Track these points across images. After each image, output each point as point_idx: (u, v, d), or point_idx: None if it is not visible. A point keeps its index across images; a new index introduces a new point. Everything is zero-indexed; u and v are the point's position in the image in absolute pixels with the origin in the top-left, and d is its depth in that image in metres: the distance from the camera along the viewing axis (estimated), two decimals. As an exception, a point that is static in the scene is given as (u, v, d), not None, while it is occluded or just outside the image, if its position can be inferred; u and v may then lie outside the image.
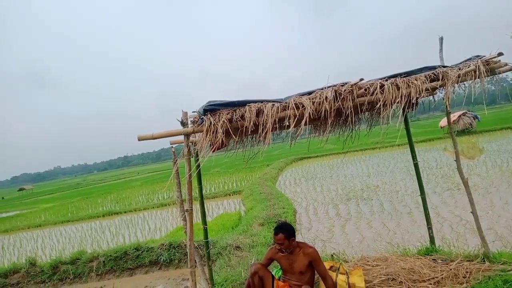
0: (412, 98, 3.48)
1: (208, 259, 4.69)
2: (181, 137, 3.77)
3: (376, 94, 3.44)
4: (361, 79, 3.51)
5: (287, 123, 3.58)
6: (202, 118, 3.57)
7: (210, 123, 3.47)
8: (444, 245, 4.94)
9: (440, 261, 4.11)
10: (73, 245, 10.27)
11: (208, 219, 9.73)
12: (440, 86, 3.59)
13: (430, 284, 3.65)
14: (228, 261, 5.84)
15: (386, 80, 3.54)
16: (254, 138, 4.51)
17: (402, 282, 3.71)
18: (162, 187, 22.20)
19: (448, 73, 3.57)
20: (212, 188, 17.75)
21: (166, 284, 6.33)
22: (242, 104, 3.60)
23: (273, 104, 3.54)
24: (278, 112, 3.50)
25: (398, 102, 3.43)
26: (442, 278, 3.71)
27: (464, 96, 3.72)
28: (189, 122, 3.66)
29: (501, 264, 3.74)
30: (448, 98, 3.54)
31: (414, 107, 4.32)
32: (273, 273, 3.87)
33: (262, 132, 3.47)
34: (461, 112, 24.82)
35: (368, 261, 4.37)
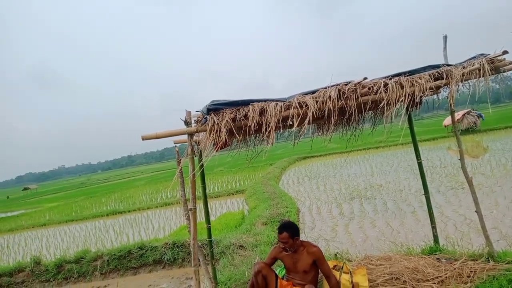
0: (416, 97, 3.47)
1: (212, 258, 4.70)
2: (185, 137, 3.78)
3: (380, 93, 3.43)
4: (365, 78, 3.50)
5: (291, 122, 3.59)
6: (206, 117, 3.57)
7: (214, 122, 3.48)
8: (448, 244, 4.93)
9: (444, 261, 4.09)
10: (77, 244, 10.32)
11: (212, 218, 9.75)
12: (444, 85, 3.58)
13: (434, 283, 3.63)
14: (232, 260, 5.85)
15: (390, 79, 3.53)
16: (257, 137, 4.52)
17: (406, 281, 3.70)
18: (165, 187, 22.25)
19: (452, 71, 3.55)
20: (215, 187, 17.77)
21: (170, 283, 6.36)
22: (246, 103, 3.60)
23: (277, 104, 3.54)
24: (281, 111, 3.50)
25: (402, 101, 3.42)
26: (446, 277, 3.69)
27: (468, 95, 3.71)
28: (192, 122, 3.67)
29: (505, 264, 3.73)
30: (452, 97, 3.53)
31: (418, 106, 4.30)
32: (277, 272, 3.88)
33: (266, 132, 3.47)
34: (465, 110, 24.71)
35: (371, 260, 4.36)
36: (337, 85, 3.53)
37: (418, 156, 4.63)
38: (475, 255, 4.08)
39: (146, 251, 7.24)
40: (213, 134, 3.47)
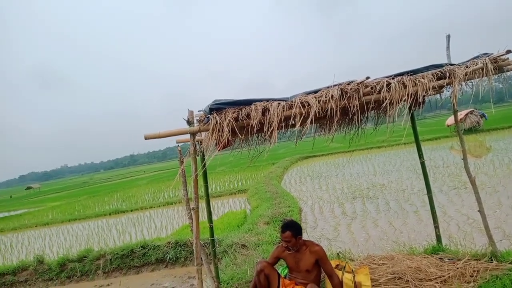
0: (419, 97, 3.46)
1: (214, 257, 4.71)
2: (187, 136, 3.78)
3: (383, 92, 3.42)
4: (367, 78, 3.50)
5: (293, 122, 3.58)
6: (208, 117, 3.58)
7: (216, 122, 3.48)
8: (451, 244, 4.92)
9: (447, 260, 4.08)
10: (80, 243, 10.36)
11: (214, 217, 9.76)
12: (447, 84, 3.57)
13: (437, 283, 3.63)
14: (234, 259, 5.86)
15: (393, 78, 3.53)
16: (259, 136, 4.52)
17: (408, 281, 3.69)
18: (168, 186, 22.29)
19: (455, 71, 3.54)
20: (218, 186, 17.79)
21: (172, 282, 6.37)
22: (248, 103, 3.60)
23: (279, 103, 3.54)
24: (283, 110, 3.49)
25: (404, 101, 3.41)
26: (449, 277, 3.69)
27: (471, 95, 3.70)
28: (195, 121, 3.68)
29: (509, 263, 3.71)
30: (455, 96, 3.52)
31: (421, 105, 4.29)
32: (279, 271, 3.88)
33: (268, 131, 3.47)
34: (468, 110, 24.63)
35: (374, 260, 4.36)
36: (340, 84, 3.52)
37: (421, 155, 4.62)
38: (478, 255, 4.07)
39: (148, 250, 7.26)
40: (215, 134, 3.47)
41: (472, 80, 3.62)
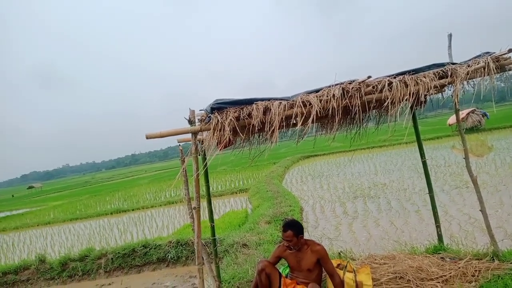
0: (421, 96, 3.45)
1: (216, 257, 4.71)
2: (189, 136, 3.78)
3: (384, 91, 3.42)
4: (369, 77, 3.49)
5: (294, 121, 3.58)
6: (210, 116, 3.57)
7: (218, 121, 3.48)
8: (452, 243, 4.91)
9: (449, 260, 4.08)
10: (81, 243, 10.38)
11: (215, 217, 9.77)
12: (449, 83, 3.56)
13: (438, 282, 3.62)
14: (235, 258, 5.86)
15: (394, 78, 3.52)
16: (261, 136, 4.52)
17: (410, 280, 3.69)
18: (169, 185, 22.32)
19: (457, 70, 3.53)
20: (219, 186, 17.80)
21: (173, 281, 6.38)
22: (249, 102, 3.60)
23: (280, 102, 3.53)
24: (285, 110, 3.49)
25: (406, 100, 3.40)
26: (451, 276, 3.68)
27: (473, 94, 3.68)
28: (196, 121, 3.68)
29: (510, 263, 3.71)
30: (457, 95, 3.51)
31: (422, 104, 4.28)
32: (280, 270, 3.88)
33: (269, 130, 3.47)
34: (470, 109, 24.58)
35: (375, 259, 4.35)
36: (341, 83, 3.52)
37: (422, 155, 4.62)
38: (479, 254, 4.06)
39: (150, 249, 7.27)
40: (216, 133, 3.47)
41: (474, 79, 3.61)
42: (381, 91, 3.45)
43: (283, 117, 3.49)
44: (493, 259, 3.86)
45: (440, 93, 4.04)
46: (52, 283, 7.38)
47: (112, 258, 7.33)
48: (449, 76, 3.53)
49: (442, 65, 3.68)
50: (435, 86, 3.47)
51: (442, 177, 10.56)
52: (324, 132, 4.66)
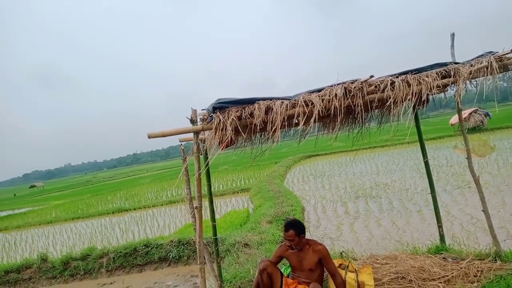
0: (423, 95, 3.44)
1: (217, 256, 4.71)
2: (191, 135, 3.78)
3: (387, 91, 3.41)
4: (371, 76, 3.48)
5: (296, 121, 3.57)
6: (212, 115, 3.58)
7: (219, 120, 3.48)
8: (454, 243, 4.90)
9: (451, 260, 4.07)
10: (83, 242, 10.40)
11: (217, 216, 9.77)
12: (451, 83, 3.55)
13: (440, 282, 3.62)
14: (237, 258, 5.86)
15: (397, 77, 3.51)
16: (262, 135, 4.51)
17: (411, 280, 3.68)
18: (170, 185, 22.33)
19: (459, 69, 3.52)
20: (220, 185, 17.81)
21: (175, 280, 6.38)
22: (251, 101, 3.60)
23: (282, 102, 3.53)
24: (287, 109, 3.49)
25: (409, 100, 3.40)
26: (453, 276, 3.67)
27: (476, 93, 3.67)
28: (198, 120, 3.68)
29: (513, 263, 3.70)
30: (460, 95, 3.50)
31: (425, 104, 4.27)
32: (282, 270, 3.88)
33: (271, 130, 3.47)
34: (472, 109, 24.51)
35: (377, 259, 4.35)
36: (344, 83, 3.51)
37: (424, 155, 4.60)
38: (482, 255, 4.05)
39: (151, 248, 7.28)
40: (218, 132, 3.47)
41: (476, 79, 3.59)
42: (383, 90, 3.44)
43: (285, 117, 3.48)
44: (496, 260, 3.85)
45: (443, 93, 4.03)
46: (54, 282, 7.40)
47: (113, 257, 7.34)
48: (452, 76, 3.52)
49: (445, 64, 3.66)
50: (437, 86, 3.46)
51: (444, 177, 10.53)
52: (326, 132, 4.66)
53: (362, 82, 3.46)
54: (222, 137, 3.46)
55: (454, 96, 3.64)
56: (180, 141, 4.38)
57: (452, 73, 3.52)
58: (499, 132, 22.40)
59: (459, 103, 3.64)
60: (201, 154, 3.80)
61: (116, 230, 11.43)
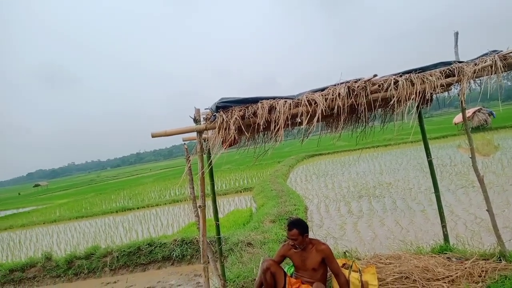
0: (427, 94, 3.43)
1: (220, 255, 4.72)
2: (194, 134, 3.79)
3: (390, 90, 3.39)
4: (375, 75, 3.47)
5: (299, 120, 3.57)
6: (215, 115, 3.57)
7: (223, 120, 3.47)
8: (458, 243, 4.87)
9: (455, 260, 4.05)
10: (87, 241, 10.44)
11: (220, 215, 9.78)
12: (455, 82, 3.53)
13: (445, 282, 3.60)
14: (240, 257, 5.87)
15: (400, 76, 3.49)
16: (266, 135, 4.51)
17: (415, 280, 3.67)
18: (174, 184, 22.37)
19: (463, 68, 3.50)
20: (223, 185, 17.82)
21: (178, 279, 6.40)
22: (254, 101, 3.59)
23: (285, 101, 3.52)
24: (290, 108, 3.48)
25: (412, 99, 3.38)
26: (457, 276, 3.66)
27: (480, 92, 3.65)
28: (201, 119, 3.68)
29: (518, 263, 3.68)
30: (464, 94, 3.48)
31: (428, 103, 4.25)
32: (285, 269, 3.88)
33: (274, 129, 3.46)
34: (476, 108, 24.39)
35: (381, 259, 4.34)
36: (347, 82, 3.50)
37: (428, 154, 4.58)
38: (486, 255, 4.03)
39: (155, 247, 7.30)
40: (222, 132, 3.47)
41: (480, 78, 3.57)
42: (387, 89, 3.42)
43: (288, 116, 3.47)
44: (500, 260, 3.83)
45: (446, 92, 4.01)
46: (58, 281, 7.44)
47: (117, 256, 7.36)
48: (456, 75, 3.49)
49: (449, 63, 3.65)
50: (441, 85, 3.44)
51: (448, 176, 10.49)
52: (329, 131, 4.64)
53: (365, 81, 3.44)
54: (225, 137, 3.46)
55: (458, 95, 3.62)
56: (183, 140, 4.38)
57: (456, 72, 3.50)
58: (503, 131, 22.29)
59: (463, 102, 3.62)
60: (204, 154, 3.80)
61: (120, 229, 11.47)
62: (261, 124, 3.44)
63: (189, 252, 7.11)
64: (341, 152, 25.39)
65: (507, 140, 17.60)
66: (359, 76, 3.55)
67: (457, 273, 3.69)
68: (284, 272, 3.70)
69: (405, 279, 3.75)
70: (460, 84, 3.50)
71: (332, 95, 3.43)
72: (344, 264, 3.87)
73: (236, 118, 3.45)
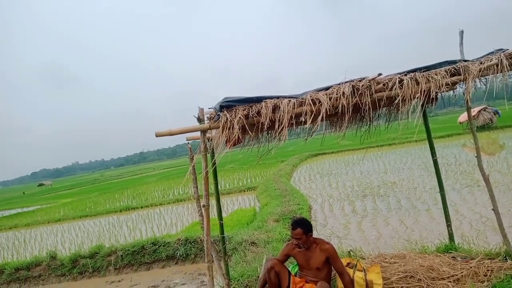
0: (432, 93, 3.41)
1: (224, 254, 4.72)
2: (198, 133, 3.79)
3: (395, 89, 3.38)
4: (379, 74, 3.46)
5: (303, 119, 3.56)
6: (219, 114, 3.58)
7: (227, 119, 3.47)
8: (463, 242, 4.84)
9: (460, 259, 4.03)
10: (91, 240, 10.49)
11: (223, 214, 9.80)
12: (461, 81, 3.51)
13: (450, 282, 3.59)
14: (244, 256, 5.87)
15: (405, 75, 3.48)
16: (269, 134, 4.50)
17: (420, 279, 3.65)
18: (177, 183, 22.41)
19: (469, 67, 3.48)
20: (227, 184, 17.83)
21: (182, 278, 6.41)
22: (258, 100, 3.59)
23: (289, 100, 3.52)
24: (294, 108, 3.47)
25: (417, 98, 3.36)
26: (462, 276, 3.64)
27: (485, 91, 3.63)
28: (205, 119, 3.68)
29: (523, 263, 3.65)
30: (469, 93, 3.46)
31: (433, 102, 4.23)
32: (289, 269, 3.87)
33: (278, 128, 3.46)
34: (481, 107, 24.24)
35: (385, 258, 4.32)
36: (351, 81, 3.49)
37: (433, 153, 4.56)
38: (491, 254, 4.01)
39: (159, 246, 7.32)
40: (225, 131, 3.47)
41: (486, 76, 3.55)
42: (391, 88, 3.41)
43: (292, 115, 3.47)
44: (506, 259, 3.81)
45: (452, 91, 3.98)
46: (63, 280, 7.48)
47: (121, 255, 7.39)
48: (461, 74, 3.48)
49: (454, 62, 3.63)
50: (446, 84, 3.43)
51: (453, 175, 10.44)
52: (334, 130, 4.63)
53: (370, 80, 3.43)
54: (229, 136, 3.46)
55: (463, 94, 3.60)
56: (187, 140, 4.39)
57: (461, 71, 3.48)
58: (509, 130, 22.13)
59: (469, 101, 3.60)
60: (208, 153, 3.81)
61: (124, 228, 11.51)
62: (265, 123, 3.44)
63: (193, 251, 7.12)
64: (345, 151, 25.34)
65: (512, 139, 17.49)
66: (359, 75, 3.54)
67: (462, 272, 3.67)
68: (289, 271, 3.70)
69: (410, 278, 3.74)
70: (466, 83, 3.48)
71: (337, 94, 3.42)
72: (348, 263, 3.86)
73: (240, 118, 3.45)
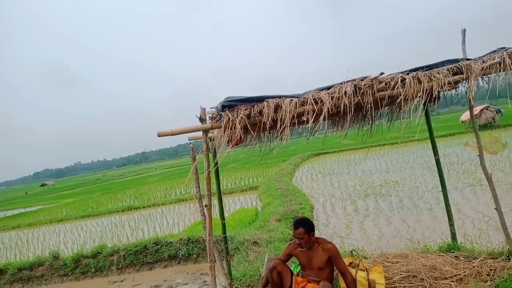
0: (434, 92, 3.40)
1: (227, 254, 4.72)
2: (199, 133, 3.79)
3: (397, 88, 3.37)
4: (382, 73, 3.45)
5: (305, 119, 3.56)
6: (221, 114, 3.58)
7: (229, 119, 3.47)
8: (466, 242, 4.84)
9: (463, 258, 4.02)
10: (94, 239, 10.51)
11: (225, 214, 9.80)
12: (464, 80, 3.49)
13: (452, 281, 3.58)
14: (246, 256, 5.87)
15: (407, 74, 3.47)
16: (271, 133, 4.50)
17: (423, 279, 3.65)
18: (179, 183, 22.43)
19: (471, 66, 3.47)
20: (229, 183, 17.83)
21: (185, 278, 6.42)
22: (260, 99, 3.59)
23: (291, 100, 3.51)
24: (296, 107, 3.47)
25: (419, 96, 3.35)
26: (465, 275, 3.63)
27: (488, 90, 3.61)
28: (207, 118, 3.68)
29: (527, 262, 3.64)
30: (471, 92, 3.45)
31: (435, 101, 4.22)
32: (292, 268, 3.87)
33: (280, 128, 3.45)
34: (484, 106, 24.16)
35: (388, 258, 4.31)
36: (353, 80, 3.48)
37: (436, 152, 4.54)
38: (494, 253, 4.00)
39: (161, 246, 7.33)
40: (227, 131, 3.47)
41: (488, 75, 3.54)
42: (394, 87, 3.40)
43: (294, 115, 3.47)
44: (509, 258, 3.80)
45: (454, 90, 3.97)
46: (65, 279, 7.49)
47: (124, 255, 7.40)
48: (464, 72, 3.46)
49: (456, 61, 3.62)
50: (449, 83, 3.41)
51: (455, 174, 10.41)
52: (336, 130, 4.62)
53: (372, 79, 3.42)
54: (231, 136, 3.46)
55: (466, 93, 3.59)
56: (189, 140, 4.39)
57: (464, 70, 3.47)
58: (511, 129, 22.05)
59: (471, 100, 3.59)
60: (210, 153, 3.81)
61: (126, 228, 11.53)
62: (267, 123, 3.44)
63: (195, 251, 7.13)
64: (347, 150, 25.29)
65: (515, 138, 17.42)
66: (360, 75, 3.53)
67: (465, 272, 3.66)
68: (291, 270, 3.70)
69: (412, 278, 3.73)
70: (468, 82, 3.47)
71: (339, 93, 3.42)
72: (351, 263, 3.85)
73: (242, 117, 3.45)
